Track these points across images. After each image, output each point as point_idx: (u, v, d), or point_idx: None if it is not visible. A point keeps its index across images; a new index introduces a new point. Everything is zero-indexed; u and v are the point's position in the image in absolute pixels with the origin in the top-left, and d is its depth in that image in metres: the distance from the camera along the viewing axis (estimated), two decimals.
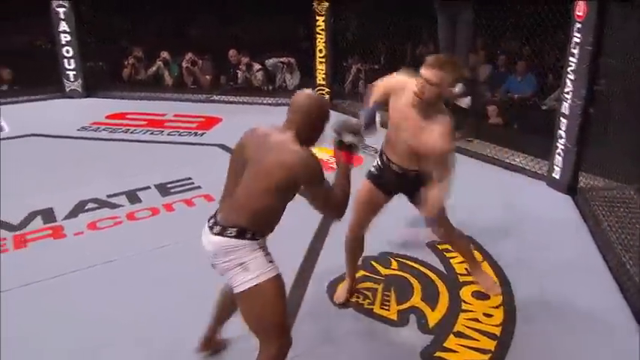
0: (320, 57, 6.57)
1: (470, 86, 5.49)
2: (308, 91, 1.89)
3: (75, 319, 2.53)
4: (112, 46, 7.91)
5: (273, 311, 1.76)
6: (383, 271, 2.96)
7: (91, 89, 7.49)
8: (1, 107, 6.75)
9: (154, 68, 7.79)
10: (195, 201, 3.89)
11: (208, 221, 1.84)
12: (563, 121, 3.96)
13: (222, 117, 6.05)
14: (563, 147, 3.99)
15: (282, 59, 7.30)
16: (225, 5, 7.45)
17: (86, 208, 3.76)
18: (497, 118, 5.64)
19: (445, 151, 2.15)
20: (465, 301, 2.68)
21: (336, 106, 6.20)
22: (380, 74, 2.64)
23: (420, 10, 5.81)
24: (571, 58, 3.82)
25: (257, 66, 7.34)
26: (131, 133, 5.80)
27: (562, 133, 3.98)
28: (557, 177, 4.07)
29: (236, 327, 2.09)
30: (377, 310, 2.63)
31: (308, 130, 1.78)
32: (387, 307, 2.64)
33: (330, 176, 1.82)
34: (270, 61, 7.37)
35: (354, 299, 2.70)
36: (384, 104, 2.34)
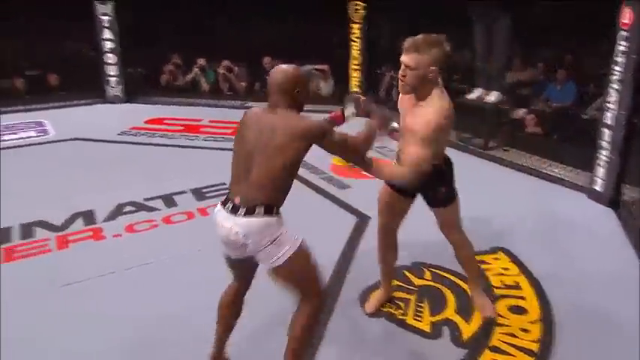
0: (354, 64, 6.59)
1: (507, 93, 5.40)
2: (280, 66, 1.95)
3: (110, 320, 2.58)
4: (151, 53, 8.15)
5: (310, 271, 1.96)
6: (416, 281, 2.93)
7: (130, 95, 7.74)
8: (48, 112, 7.07)
9: (191, 75, 7.98)
10: None
11: (224, 206, 1.90)
12: (606, 131, 3.83)
13: None
14: (605, 158, 3.86)
15: (316, 66, 7.35)
16: (260, 13, 7.56)
17: (124, 210, 3.86)
18: (535, 127, 5.51)
19: (428, 126, 2.05)
20: (500, 315, 2.62)
21: None
22: None
23: (454, 17, 5.75)
24: (615, 67, 3.70)
25: None
26: (168, 137, 5.95)
27: (604, 143, 3.86)
28: (599, 189, 3.94)
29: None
30: (409, 320, 2.59)
31: (292, 101, 1.91)
32: (419, 318, 2.60)
33: None
34: (304, 68, 7.41)
35: (386, 309, 2.67)
36: None
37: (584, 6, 4.65)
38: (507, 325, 2.54)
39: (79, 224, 3.64)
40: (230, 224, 1.86)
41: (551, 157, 4.75)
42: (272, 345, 2.21)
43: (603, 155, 3.88)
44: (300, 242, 1.91)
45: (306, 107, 2.01)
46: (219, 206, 1.95)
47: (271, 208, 1.85)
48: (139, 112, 7.09)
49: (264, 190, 1.84)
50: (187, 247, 3.29)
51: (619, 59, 3.66)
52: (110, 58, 7.52)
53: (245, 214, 1.83)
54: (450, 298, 2.78)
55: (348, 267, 3.05)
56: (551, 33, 6.11)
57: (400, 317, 2.61)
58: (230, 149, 2.02)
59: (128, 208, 3.90)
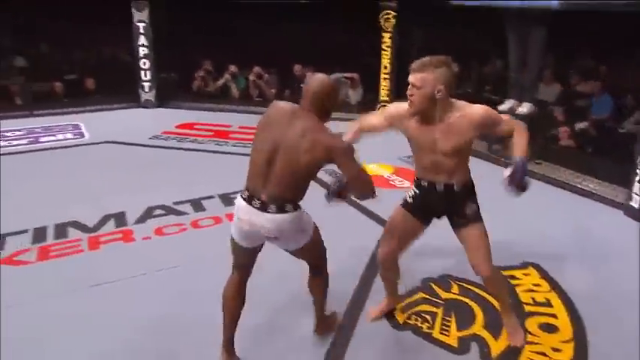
0: (384, 73, 6.57)
1: (540, 106, 5.29)
2: (318, 75, 2.09)
3: (134, 321, 2.62)
4: (183, 59, 8.31)
5: (322, 247, 2.26)
6: (443, 294, 2.87)
7: (162, 99, 7.90)
8: (84, 115, 7.28)
9: (222, 81, 8.10)
10: None
11: (249, 202, 2.01)
12: None
13: None
14: None
15: (346, 74, 7.33)
16: (291, 21, 7.62)
17: (154, 214, 3.93)
18: (569, 140, 5.37)
19: (489, 112, 2.16)
20: (530, 333, 2.55)
21: None
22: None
23: (486, 28, 5.68)
24: None
25: None
26: (198, 143, 6.04)
27: None
28: (637, 206, 3.81)
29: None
30: (436, 334, 2.54)
31: (322, 108, 2.04)
32: (446, 333, 2.55)
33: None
34: (334, 76, 7.42)
35: (412, 321, 2.63)
36: (359, 139, 2.37)
37: (620, 17, 4.52)
38: (538, 344, 2.47)
39: (110, 226, 3.72)
40: (261, 221, 1.99)
41: (586, 172, 4.62)
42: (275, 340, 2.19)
43: None
44: (314, 225, 2.16)
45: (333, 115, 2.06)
46: (242, 202, 2.05)
47: (296, 204, 2.04)
48: (171, 117, 7.24)
49: (290, 189, 1.99)
50: (214, 252, 3.30)
51: None
52: (145, 63, 7.69)
53: (277, 211, 1.97)
54: (479, 312, 2.71)
55: (374, 277, 3.02)
56: (587, 44, 5.98)
57: (426, 331, 2.57)
58: None
59: (158, 212, 3.97)
